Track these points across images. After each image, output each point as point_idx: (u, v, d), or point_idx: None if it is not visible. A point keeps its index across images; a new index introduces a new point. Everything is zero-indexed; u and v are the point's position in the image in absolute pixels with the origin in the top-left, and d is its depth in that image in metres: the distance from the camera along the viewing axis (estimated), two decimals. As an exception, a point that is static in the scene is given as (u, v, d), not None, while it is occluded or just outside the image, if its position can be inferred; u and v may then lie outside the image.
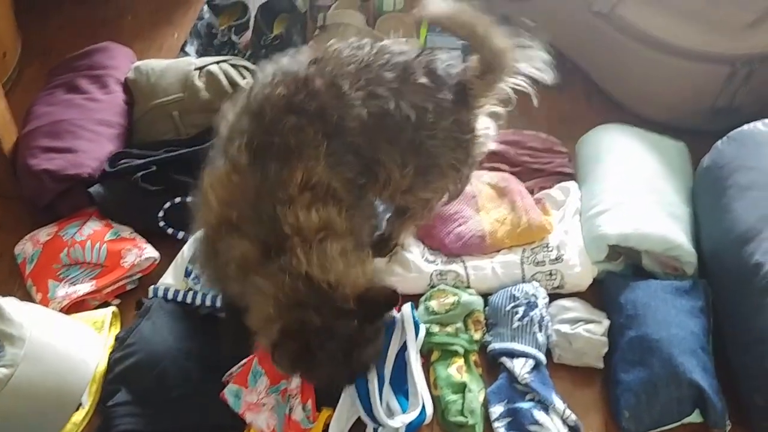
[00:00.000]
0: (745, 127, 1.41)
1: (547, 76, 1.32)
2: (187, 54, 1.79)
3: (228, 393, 1.20)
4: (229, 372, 1.22)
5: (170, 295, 1.31)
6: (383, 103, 1.16)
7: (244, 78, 1.58)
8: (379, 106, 1.16)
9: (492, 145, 1.59)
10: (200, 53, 1.82)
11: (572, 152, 1.64)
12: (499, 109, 1.35)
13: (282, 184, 1.09)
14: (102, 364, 1.25)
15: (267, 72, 1.18)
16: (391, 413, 1.23)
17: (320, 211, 1.10)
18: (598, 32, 1.72)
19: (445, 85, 1.23)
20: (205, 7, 1.91)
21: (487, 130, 1.34)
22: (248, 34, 1.91)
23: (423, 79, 1.20)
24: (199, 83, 1.54)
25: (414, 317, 1.31)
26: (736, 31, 1.57)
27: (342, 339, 1.07)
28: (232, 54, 1.83)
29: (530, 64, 1.30)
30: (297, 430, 1.19)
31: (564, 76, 1.85)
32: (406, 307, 1.32)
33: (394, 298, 1.11)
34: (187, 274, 1.32)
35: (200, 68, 1.57)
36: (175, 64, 1.60)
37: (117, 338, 1.27)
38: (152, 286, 1.33)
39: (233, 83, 1.55)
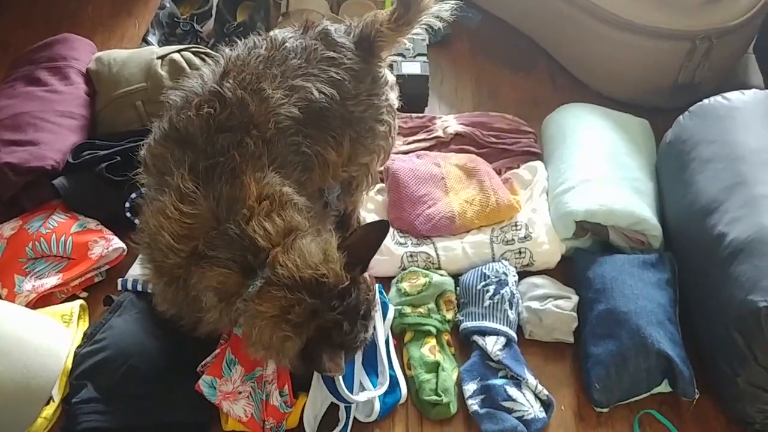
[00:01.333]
0: (706, 101, 1.44)
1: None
2: (149, 44, 1.76)
3: (203, 384, 1.19)
4: (203, 362, 1.21)
5: (140, 287, 1.29)
6: (305, 93, 1.17)
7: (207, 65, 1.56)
8: (303, 98, 1.16)
9: (458, 127, 1.61)
10: (163, 43, 1.80)
11: (538, 132, 1.65)
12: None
13: (238, 201, 1.07)
14: (71, 357, 1.23)
15: (177, 96, 1.16)
16: (363, 391, 1.23)
17: (282, 214, 1.09)
18: (561, 13, 1.74)
19: (348, 48, 1.24)
20: (167, -5, 1.89)
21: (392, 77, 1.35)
22: (211, 22, 1.90)
23: (327, 53, 1.21)
24: (162, 72, 1.52)
25: (383, 298, 1.32)
26: (694, 7, 1.60)
27: (357, 310, 1.08)
28: (196, 43, 1.81)
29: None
30: (275, 415, 1.19)
31: (528, 57, 1.89)
32: (375, 289, 1.32)
33: (382, 225, 1.12)
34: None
35: (162, 57, 1.55)
36: (138, 54, 1.58)
37: (85, 334, 1.25)
38: (120, 279, 1.32)
39: (196, 70, 1.53)
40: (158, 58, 1.54)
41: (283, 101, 1.15)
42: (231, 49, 1.21)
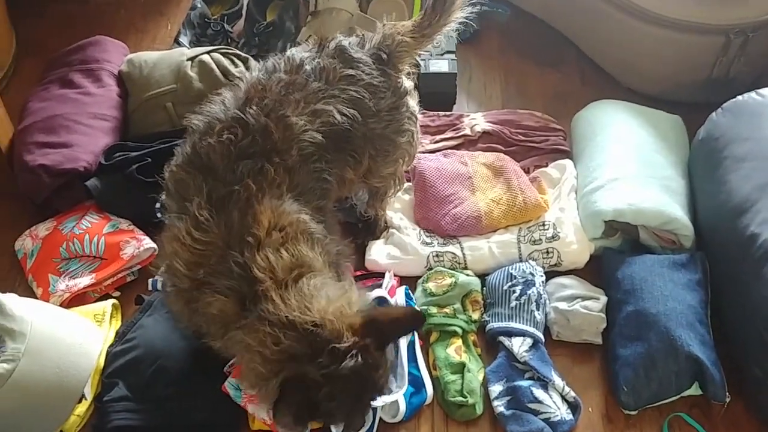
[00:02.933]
0: (740, 97, 1.40)
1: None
2: (180, 44, 1.79)
3: (229, 385, 1.21)
4: (230, 362, 1.23)
5: (168, 287, 1.31)
6: (328, 117, 1.15)
7: (236, 66, 1.58)
8: (325, 122, 1.15)
9: (486, 125, 1.60)
10: (194, 43, 1.82)
11: (567, 129, 1.63)
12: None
13: (248, 229, 1.04)
14: (103, 356, 1.26)
15: (200, 121, 1.14)
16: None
17: (291, 249, 1.05)
18: (591, 7, 1.71)
19: (366, 62, 1.22)
20: (198, -4, 1.91)
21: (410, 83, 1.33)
22: (241, 22, 1.91)
23: (346, 71, 1.18)
24: (192, 73, 1.54)
25: (410, 301, 1.32)
26: (728, 0, 1.56)
27: (348, 382, 0.98)
28: (226, 43, 1.83)
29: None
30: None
31: (557, 52, 1.87)
32: (400, 292, 1.32)
33: (417, 317, 1.07)
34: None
35: (192, 58, 1.57)
36: (168, 56, 1.60)
37: (117, 332, 1.28)
38: (151, 279, 1.34)
39: (225, 72, 1.55)
40: (188, 59, 1.56)
41: (306, 128, 1.13)
42: (250, 72, 1.19)
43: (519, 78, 1.83)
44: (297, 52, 1.22)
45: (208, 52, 1.58)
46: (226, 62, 1.57)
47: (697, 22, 1.56)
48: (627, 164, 1.43)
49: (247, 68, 1.60)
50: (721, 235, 1.31)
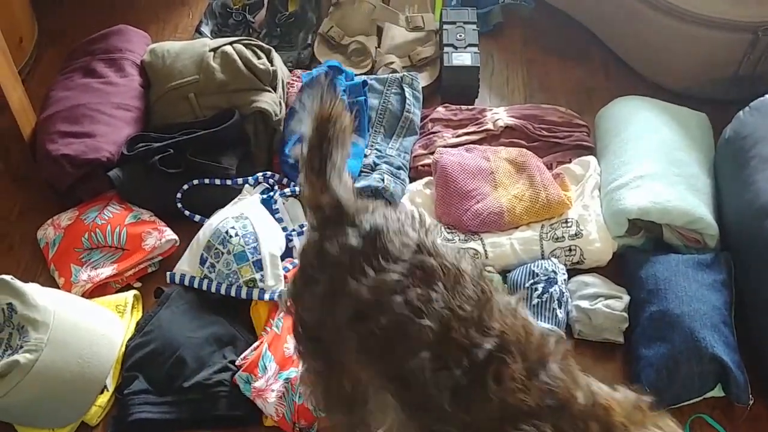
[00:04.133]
0: (767, 97, 1.38)
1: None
2: (202, 34, 1.78)
3: (239, 379, 1.20)
4: (242, 356, 1.23)
5: (186, 282, 1.31)
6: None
7: (259, 58, 1.57)
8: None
9: (509, 120, 1.59)
10: (216, 33, 1.82)
11: (591, 125, 1.62)
12: None
13: None
14: (124, 347, 1.27)
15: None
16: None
17: None
18: (618, 2, 1.69)
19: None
20: (220, -16, 1.90)
21: None
22: (263, 12, 1.90)
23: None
24: (214, 64, 1.53)
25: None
26: (758, -3, 1.54)
27: None
28: (248, 33, 1.83)
29: None
30: (306, 417, 1.18)
31: (581, 46, 1.85)
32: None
33: None
34: (202, 261, 1.31)
35: (215, 49, 1.56)
36: (190, 46, 1.60)
37: (137, 324, 1.28)
38: (169, 273, 1.34)
39: (247, 63, 1.54)
40: (210, 50, 1.56)
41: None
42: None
43: (542, 72, 1.82)
44: (451, 257, 0.92)
45: (230, 43, 1.57)
46: (248, 53, 1.56)
47: (725, 19, 1.54)
48: (652, 162, 1.41)
49: (270, 60, 1.60)
50: (746, 235, 1.30)
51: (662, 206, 1.33)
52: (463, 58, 1.68)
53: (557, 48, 1.85)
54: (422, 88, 1.67)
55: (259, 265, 1.28)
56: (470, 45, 1.71)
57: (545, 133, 1.57)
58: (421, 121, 1.63)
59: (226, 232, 1.30)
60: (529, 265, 1.35)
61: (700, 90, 1.67)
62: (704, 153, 1.47)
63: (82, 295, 1.34)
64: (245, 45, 1.59)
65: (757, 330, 1.26)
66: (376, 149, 1.55)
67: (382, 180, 1.46)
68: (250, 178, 1.47)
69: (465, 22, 1.76)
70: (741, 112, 1.41)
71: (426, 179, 1.52)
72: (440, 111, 1.64)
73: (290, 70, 1.71)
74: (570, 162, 1.53)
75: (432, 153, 1.55)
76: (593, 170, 1.47)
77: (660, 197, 1.34)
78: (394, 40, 1.81)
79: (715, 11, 1.55)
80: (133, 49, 1.63)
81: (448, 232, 1.43)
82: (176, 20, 1.92)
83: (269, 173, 1.49)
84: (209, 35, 1.80)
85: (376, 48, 1.79)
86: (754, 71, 1.61)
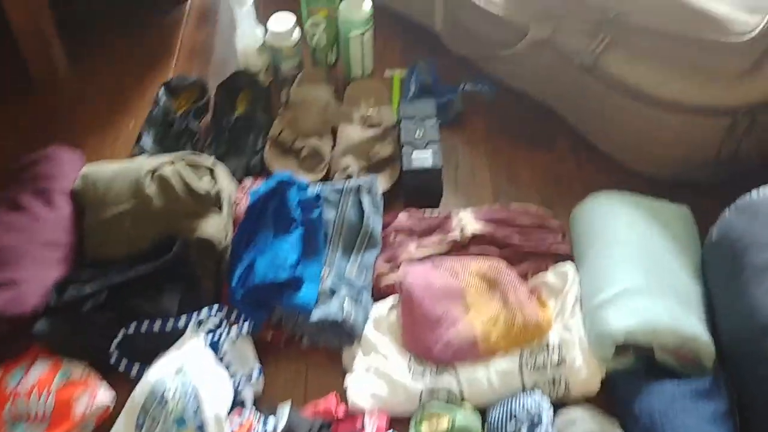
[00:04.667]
0: (754, 194, 1.26)
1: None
2: (142, 148, 1.65)
3: None
4: None
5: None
6: None
7: (200, 179, 1.44)
8: None
9: (477, 226, 1.47)
10: (157, 143, 1.68)
11: (565, 218, 1.50)
12: None
13: None
14: None
15: None
16: None
17: None
18: (584, 86, 1.59)
19: None
20: (161, 90, 1.78)
21: None
22: (208, 116, 1.78)
23: None
24: (150, 192, 1.39)
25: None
26: (732, 79, 1.43)
27: None
28: (192, 142, 1.70)
29: None
30: None
31: (550, 132, 1.74)
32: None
33: None
34: (138, 426, 1.15)
35: (152, 171, 1.43)
36: (125, 169, 1.46)
37: None
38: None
39: (188, 186, 1.41)
40: (147, 173, 1.42)
41: None
42: None
43: (510, 161, 1.70)
44: None
45: (171, 163, 1.44)
46: (188, 174, 1.43)
47: (701, 103, 1.43)
48: (636, 272, 1.29)
49: (213, 178, 1.47)
50: (746, 357, 1.17)
51: (651, 327, 1.20)
52: (423, 159, 1.56)
53: (524, 135, 1.75)
54: (383, 192, 1.55)
55: (202, 431, 1.14)
56: (430, 142, 1.59)
57: (516, 240, 1.44)
58: (383, 230, 1.51)
59: (163, 394, 1.15)
60: (508, 402, 1.21)
61: (681, 175, 1.56)
62: (691, 255, 1.35)
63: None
64: (187, 163, 1.46)
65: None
66: (335, 270, 1.42)
67: (342, 310, 1.32)
68: (194, 315, 1.32)
69: (424, 117, 1.64)
70: (727, 212, 1.30)
71: (390, 302, 1.39)
72: (402, 219, 1.51)
73: (239, 180, 1.58)
74: (546, 269, 1.41)
75: (396, 267, 1.42)
76: (572, 282, 1.35)
77: (648, 316, 1.21)
78: (349, 139, 1.68)
79: (689, 96, 1.44)
80: (65, 174, 1.49)
81: (418, 364, 1.29)
82: (116, 132, 1.78)
83: (216, 307, 1.35)
84: (150, 145, 1.67)
85: (331, 149, 1.67)
86: (736, 153, 1.50)
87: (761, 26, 1.37)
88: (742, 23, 1.39)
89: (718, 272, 1.29)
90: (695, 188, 1.53)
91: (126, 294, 1.31)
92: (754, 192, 1.28)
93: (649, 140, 1.55)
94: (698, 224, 1.43)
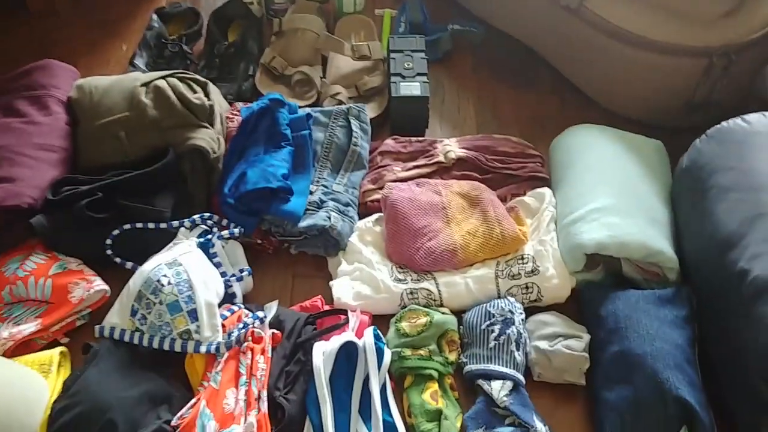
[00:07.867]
0: (724, 124, 1.34)
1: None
2: (136, 67, 1.69)
3: None
4: (178, 415, 1.13)
5: (116, 335, 1.21)
6: None
7: (194, 92, 1.48)
8: None
9: (461, 152, 1.53)
10: (151, 66, 1.72)
11: (545, 154, 1.56)
12: None
13: None
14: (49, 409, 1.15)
15: None
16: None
17: None
18: (568, 27, 1.65)
19: None
20: (154, 16, 1.81)
21: None
22: (201, 42, 1.82)
23: None
24: (146, 100, 1.43)
25: (379, 343, 1.23)
26: (710, 21, 1.51)
27: None
28: (185, 65, 1.74)
29: None
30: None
31: (533, 73, 1.80)
32: (368, 334, 1.23)
33: None
34: (133, 312, 1.21)
35: (147, 83, 1.47)
36: (121, 81, 1.50)
37: (64, 384, 1.17)
38: (97, 326, 1.24)
39: (182, 98, 1.45)
40: (142, 85, 1.46)
41: None
42: None
43: (494, 100, 1.76)
44: None
45: (164, 77, 1.48)
46: (183, 87, 1.47)
47: (679, 44, 1.50)
48: (609, 194, 1.36)
49: (207, 93, 1.51)
50: (708, 269, 1.25)
51: (620, 240, 1.28)
52: (411, 88, 1.61)
53: (509, 75, 1.81)
54: (370, 119, 1.60)
55: (194, 316, 1.19)
56: (419, 74, 1.65)
57: (498, 165, 1.51)
58: (369, 154, 1.56)
59: (158, 281, 1.20)
60: (484, 305, 1.28)
61: (657, 117, 1.63)
62: (661, 182, 1.43)
63: (4, 355, 1.23)
64: (180, 78, 1.49)
65: (720, 367, 1.20)
66: (323, 185, 1.47)
67: (329, 218, 1.38)
68: (186, 220, 1.37)
69: (413, 51, 1.69)
70: (698, 141, 1.37)
71: (376, 216, 1.45)
72: (389, 143, 1.57)
73: (230, 103, 1.62)
74: (525, 194, 1.47)
75: (381, 188, 1.48)
76: (548, 203, 1.42)
77: (617, 230, 1.29)
78: (339, 69, 1.74)
79: (669, 36, 1.51)
80: (59, 85, 1.52)
81: (399, 272, 1.35)
82: (108, 54, 1.82)
83: (207, 215, 1.39)
84: (144, 68, 1.70)
85: (321, 78, 1.72)
86: (710, 97, 1.58)
87: (738, -32, 1.44)
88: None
89: (687, 196, 1.36)
90: (670, 132, 1.59)
91: (121, 195, 1.35)
92: (724, 123, 1.35)
93: (629, 81, 1.62)
94: (671, 160, 1.50)
